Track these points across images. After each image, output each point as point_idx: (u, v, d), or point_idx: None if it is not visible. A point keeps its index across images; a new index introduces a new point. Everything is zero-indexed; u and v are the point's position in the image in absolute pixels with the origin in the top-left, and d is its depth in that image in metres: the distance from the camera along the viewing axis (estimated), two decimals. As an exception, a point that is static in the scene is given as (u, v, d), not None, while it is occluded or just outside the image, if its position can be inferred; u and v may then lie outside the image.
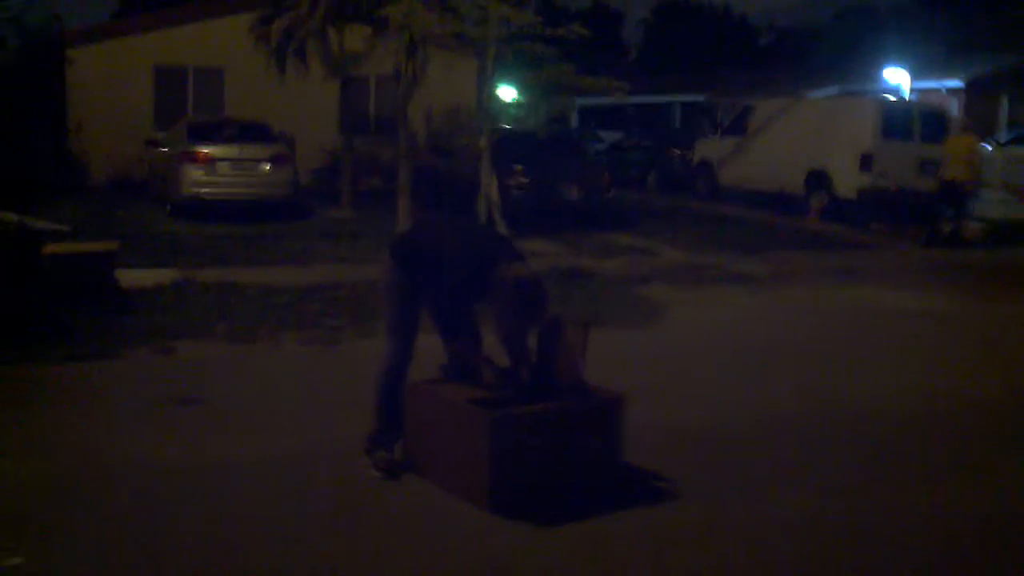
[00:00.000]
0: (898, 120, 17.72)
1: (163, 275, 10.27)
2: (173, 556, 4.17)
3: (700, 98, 33.98)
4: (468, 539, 4.42)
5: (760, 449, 5.80)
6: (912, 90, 25.47)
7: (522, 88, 17.65)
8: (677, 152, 23.94)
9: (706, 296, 10.84)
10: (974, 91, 26.60)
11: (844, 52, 36.13)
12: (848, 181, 17.38)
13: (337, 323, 8.71)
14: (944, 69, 27.88)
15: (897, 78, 25.57)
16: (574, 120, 33.29)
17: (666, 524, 4.65)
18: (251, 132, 16.32)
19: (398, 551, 4.30)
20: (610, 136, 29.58)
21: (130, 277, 9.46)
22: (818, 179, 17.98)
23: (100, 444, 5.55)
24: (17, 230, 8.12)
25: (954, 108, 25.31)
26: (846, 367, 7.88)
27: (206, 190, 15.20)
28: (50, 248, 8.53)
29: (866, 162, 17.13)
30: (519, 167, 15.62)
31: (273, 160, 15.66)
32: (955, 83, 26.77)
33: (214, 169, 15.24)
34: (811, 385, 7.29)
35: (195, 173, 15.16)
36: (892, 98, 21.32)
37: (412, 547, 4.34)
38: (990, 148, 19.34)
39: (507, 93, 17.58)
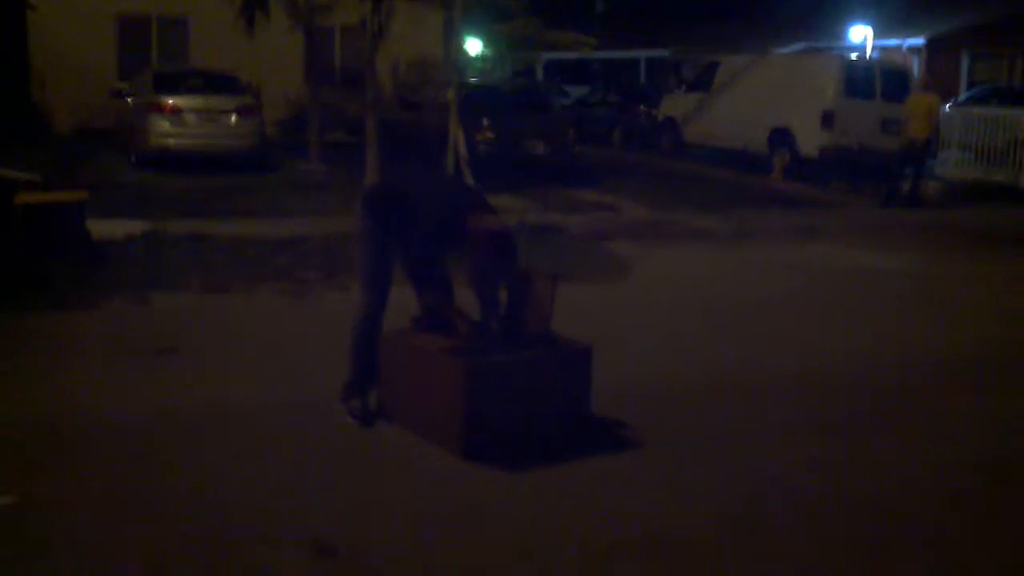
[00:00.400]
0: (860, 78, 17.94)
1: (133, 226, 10.35)
2: (158, 495, 4.34)
3: (666, 53, 34.05)
4: (441, 482, 4.62)
5: (722, 401, 6.02)
6: (874, 47, 25.71)
7: (488, 42, 17.67)
8: (643, 108, 24.06)
9: (670, 252, 11.04)
10: (935, 48, 26.89)
11: (809, 9, 36.23)
12: (810, 139, 17.61)
13: (309, 275, 8.85)
14: (906, 26, 28.13)
15: (860, 35, 25.80)
16: (540, 73, 33.25)
17: (630, 470, 4.87)
18: (218, 83, 16.32)
19: (374, 493, 4.49)
20: (576, 91, 29.61)
21: (100, 228, 9.49)
22: (781, 137, 18.20)
23: (83, 390, 5.69)
24: (-10, 180, 8.17)
25: (915, 66, 25.61)
26: (806, 321, 8.12)
27: (172, 141, 15.22)
28: (21, 197, 8.57)
29: (828, 120, 17.37)
30: (485, 121, 15.72)
31: (240, 111, 15.66)
32: (916, 41, 27.04)
33: (180, 120, 15.24)
34: (773, 339, 7.52)
35: (162, 124, 15.16)
36: (854, 56, 21.54)
37: (387, 490, 4.54)
38: (948, 108, 19.62)
39: (473, 46, 17.60)
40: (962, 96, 24.30)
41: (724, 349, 7.20)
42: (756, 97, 18.87)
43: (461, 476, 4.67)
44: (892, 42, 26.85)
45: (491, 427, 4.89)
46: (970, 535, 4.38)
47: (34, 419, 5.20)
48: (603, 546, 4.09)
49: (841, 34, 26.61)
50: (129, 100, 16.47)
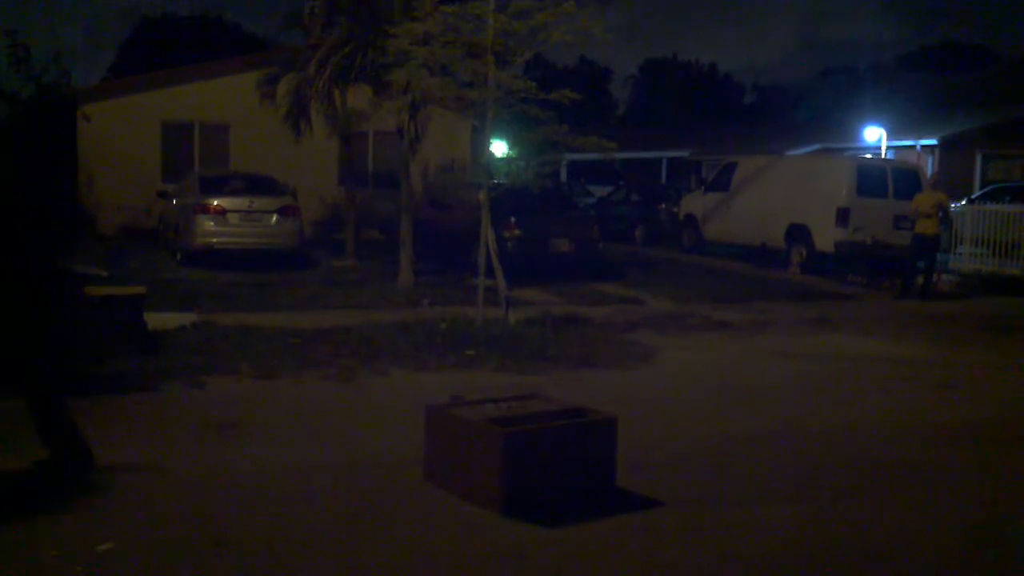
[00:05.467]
0: (873, 177, 18.67)
1: (184, 318, 11.03)
2: (226, 541, 4.93)
3: (686, 154, 35.05)
4: (483, 534, 5.19)
5: (735, 467, 6.59)
6: (889, 147, 26.54)
7: (516, 144, 18.39)
8: (664, 206, 24.85)
9: (690, 341, 11.62)
10: (948, 148, 27.68)
11: (825, 111, 37.30)
12: (826, 235, 18.29)
13: (349, 362, 9.47)
14: (920, 128, 29.00)
15: (875, 136, 26.65)
16: (564, 174, 34.25)
17: (653, 526, 5.43)
18: (259, 185, 17.22)
19: (423, 542, 5.06)
20: (599, 190, 30.48)
21: (154, 320, 10.16)
22: (798, 233, 18.89)
23: (158, 459, 6.33)
24: (62, 274, 8.85)
25: (929, 165, 26.37)
26: (815, 402, 8.71)
27: (217, 240, 16.04)
28: (89, 291, 9.27)
29: (842, 217, 18.06)
30: (513, 220, 16.44)
31: (280, 212, 16.52)
32: (930, 141, 27.86)
33: (225, 220, 16.08)
34: (782, 416, 8.10)
35: (207, 224, 16.00)
36: (868, 156, 22.33)
37: (435, 539, 5.11)
38: (962, 205, 20.30)
39: (500, 149, 18.35)
40: (976, 194, 24.98)
41: (733, 424, 7.80)
42: (773, 196, 19.63)
43: (501, 530, 5.24)
44: (906, 142, 27.68)
45: (527, 488, 5.45)
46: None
47: (121, 480, 5.83)
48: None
49: (856, 135, 27.48)
50: (175, 201, 17.36)
